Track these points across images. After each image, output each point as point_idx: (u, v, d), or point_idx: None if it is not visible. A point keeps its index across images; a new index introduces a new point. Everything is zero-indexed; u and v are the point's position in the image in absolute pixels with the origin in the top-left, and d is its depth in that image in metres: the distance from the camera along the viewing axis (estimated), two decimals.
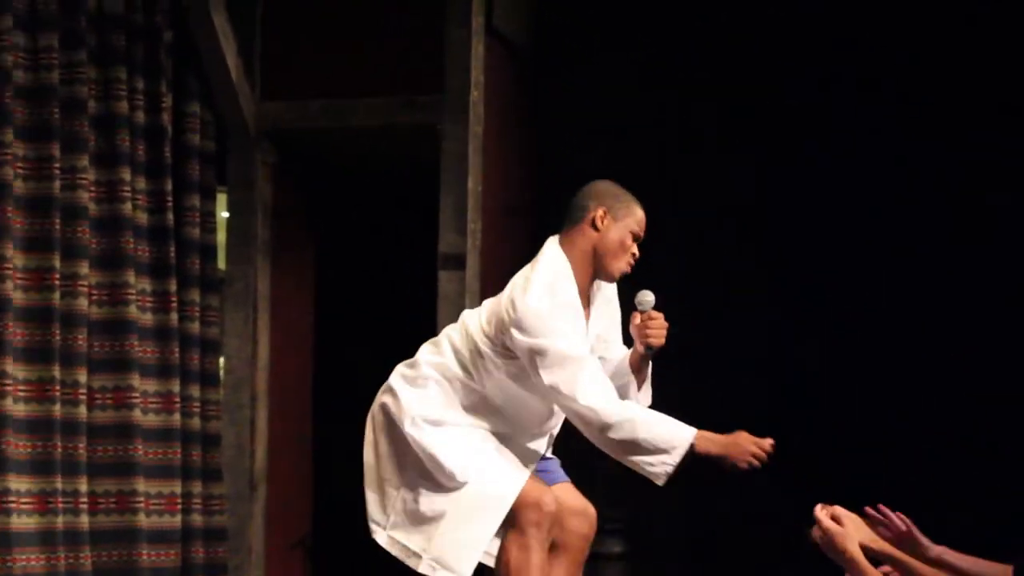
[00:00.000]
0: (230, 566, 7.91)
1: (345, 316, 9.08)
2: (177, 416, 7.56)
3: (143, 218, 7.50)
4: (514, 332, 5.02)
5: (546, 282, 5.08)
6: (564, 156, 8.31)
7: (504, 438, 5.29)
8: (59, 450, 6.92)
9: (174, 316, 7.59)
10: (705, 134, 8.31)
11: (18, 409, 6.82)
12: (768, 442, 4.96)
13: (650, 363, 5.31)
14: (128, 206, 7.34)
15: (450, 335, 5.38)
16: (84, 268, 7.13)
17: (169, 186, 7.63)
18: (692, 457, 4.95)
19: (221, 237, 8.18)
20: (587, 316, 5.24)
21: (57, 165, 7.02)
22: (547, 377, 4.99)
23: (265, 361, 8.24)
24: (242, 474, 8.09)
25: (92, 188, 7.24)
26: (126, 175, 7.34)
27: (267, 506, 8.20)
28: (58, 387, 6.93)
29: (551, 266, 5.14)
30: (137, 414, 7.28)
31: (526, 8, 8.43)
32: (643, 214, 5.21)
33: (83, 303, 7.10)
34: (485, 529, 5.11)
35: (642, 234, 5.23)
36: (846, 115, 8.10)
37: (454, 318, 7.84)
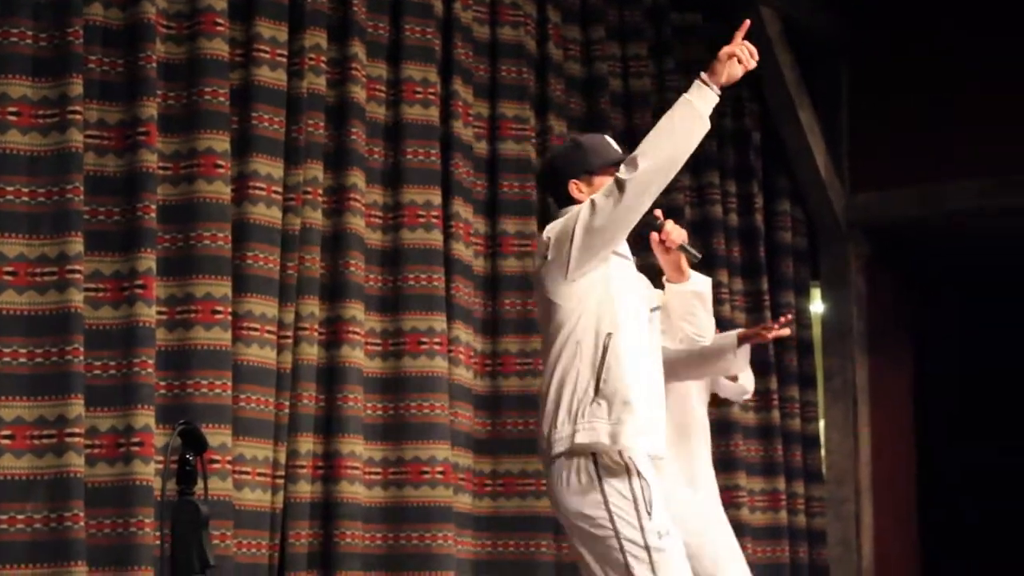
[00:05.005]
0: None
1: (947, 405, 8.88)
2: (783, 514, 7.60)
3: (741, 318, 7.61)
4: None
5: None
6: None
7: None
8: None
9: (776, 414, 7.66)
10: None
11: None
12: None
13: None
14: (726, 307, 7.46)
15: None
16: None
17: (765, 285, 7.73)
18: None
19: (816, 332, 8.19)
20: None
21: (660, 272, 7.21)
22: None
23: (867, 455, 8.15)
24: (850, 571, 8.01)
25: None
26: (723, 277, 7.47)
27: None
28: None
29: None
30: (744, 513, 7.35)
31: None
32: None
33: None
34: None
35: None
36: None
37: None
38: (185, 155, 5.62)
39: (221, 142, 5.63)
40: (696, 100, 4.28)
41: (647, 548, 4.17)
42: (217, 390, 5.54)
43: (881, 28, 8.07)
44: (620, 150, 4.57)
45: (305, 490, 5.87)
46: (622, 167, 4.30)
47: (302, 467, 5.86)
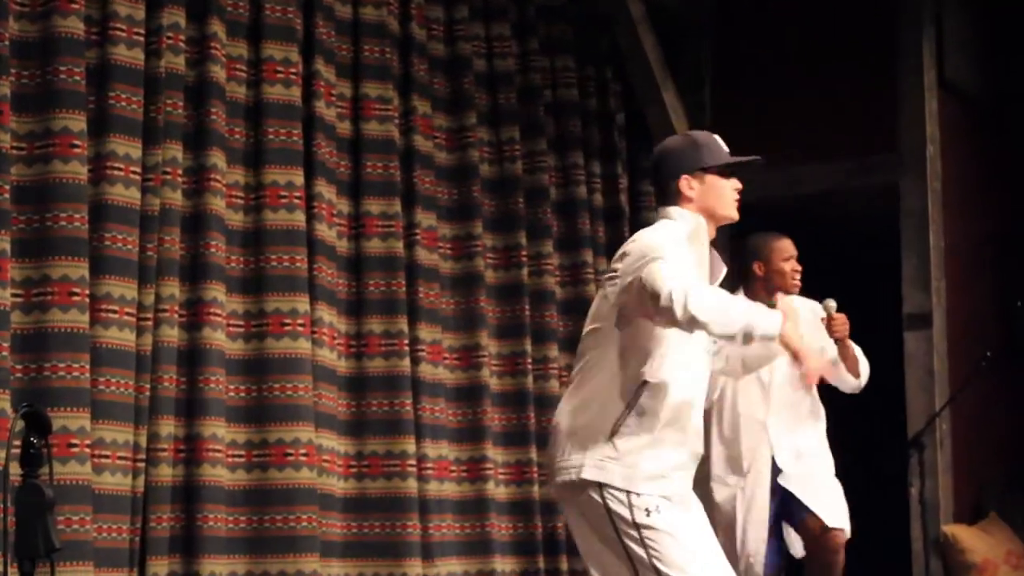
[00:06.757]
0: None
1: None
2: None
3: None
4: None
5: None
6: None
7: None
8: None
9: None
10: None
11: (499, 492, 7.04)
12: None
13: (850, 349, 6.03)
14: (592, 287, 7.48)
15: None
16: (554, 351, 7.31)
17: None
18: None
19: None
20: None
21: (524, 252, 7.23)
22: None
23: None
24: None
25: (557, 272, 7.43)
26: (588, 257, 7.50)
27: None
28: (535, 469, 7.11)
29: None
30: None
31: (979, 57, 8.21)
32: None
33: (554, 385, 7.27)
34: None
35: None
36: None
37: (922, 380, 7.76)
38: (40, 135, 5.54)
39: (77, 122, 5.55)
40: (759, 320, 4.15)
41: (636, 525, 4.23)
42: (75, 373, 5.47)
43: (744, 9, 8.14)
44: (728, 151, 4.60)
45: (167, 473, 5.82)
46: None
47: (163, 450, 5.81)
